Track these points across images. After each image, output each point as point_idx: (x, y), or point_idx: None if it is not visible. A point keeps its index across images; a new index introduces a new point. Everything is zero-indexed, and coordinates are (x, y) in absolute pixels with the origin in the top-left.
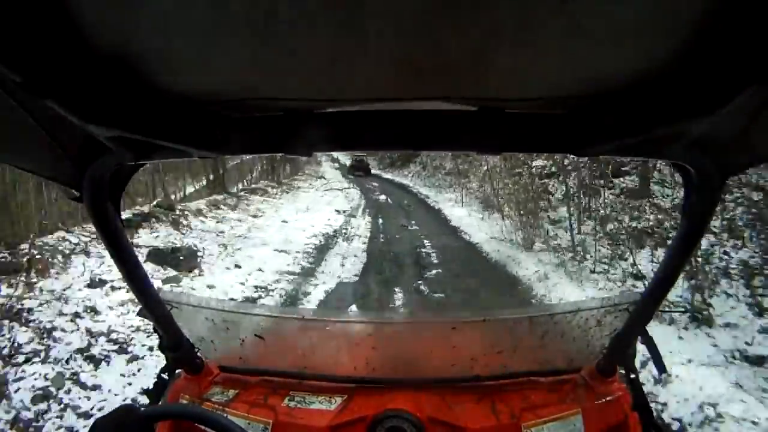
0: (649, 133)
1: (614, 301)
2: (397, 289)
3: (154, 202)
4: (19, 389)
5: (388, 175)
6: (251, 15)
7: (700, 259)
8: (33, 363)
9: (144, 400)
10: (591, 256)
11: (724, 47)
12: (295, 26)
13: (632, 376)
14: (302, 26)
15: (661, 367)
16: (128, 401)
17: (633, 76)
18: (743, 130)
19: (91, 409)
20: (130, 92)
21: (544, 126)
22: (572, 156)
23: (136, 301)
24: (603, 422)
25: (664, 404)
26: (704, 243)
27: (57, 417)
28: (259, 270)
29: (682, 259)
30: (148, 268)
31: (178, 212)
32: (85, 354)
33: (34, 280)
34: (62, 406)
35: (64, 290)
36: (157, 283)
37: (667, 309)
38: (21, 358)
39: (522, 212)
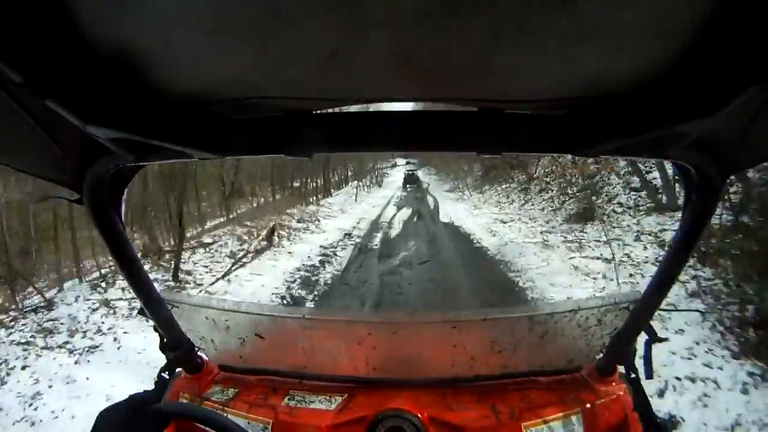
0: (650, 134)
1: (614, 300)
2: None
3: None
4: None
5: None
6: (251, 15)
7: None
8: None
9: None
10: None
11: (724, 48)
12: (295, 26)
13: (632, 375)
14: (302, 26)
15: (649, 372)
16: None
17: (633, 77)
18: (743, 130)
19: None
20: (130, 93)
21: (545, 126)
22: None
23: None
24: (603, 422)
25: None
26: None
27: None
28: None
29: (682, 258)
30: None
31: None
32: None
33: None
34: None
35: None
36: None
37: (667, 309)
38: None
39: None
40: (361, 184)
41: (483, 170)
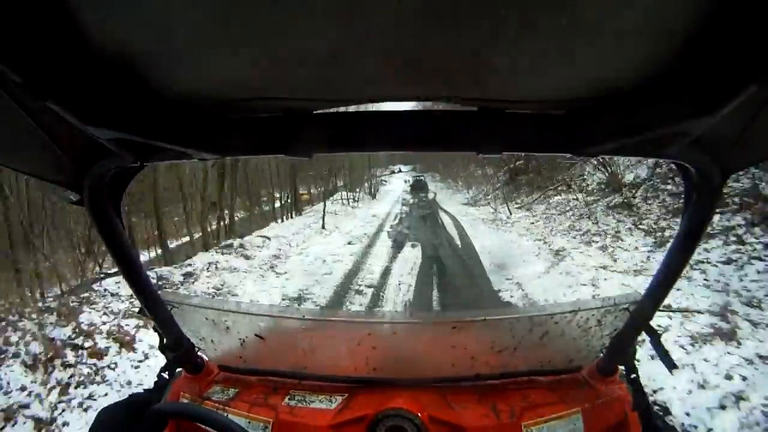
0: (649, 133)
1: (614, 301)
2: None
3: None
4: None
5: None
6: (251, 15)
7: None
8: None
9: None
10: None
11: (724, 47)
12: (295, 26)
13: (633, 375)
14: (302, 26)
15: (671, 364)
16: None
17: (633, 77)
18: (743, 129)
19: None
20: (130, 94)
21: (544, 126)
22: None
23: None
24: (603, 422)
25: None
26: None
27: None
28: None
29: (683, 258)
30: None
31: None
32: None
33: None
34: None
35: None
36: None
37: (667, 309)
38: None
39: None
40: (347, 196)
41: (507, 175)
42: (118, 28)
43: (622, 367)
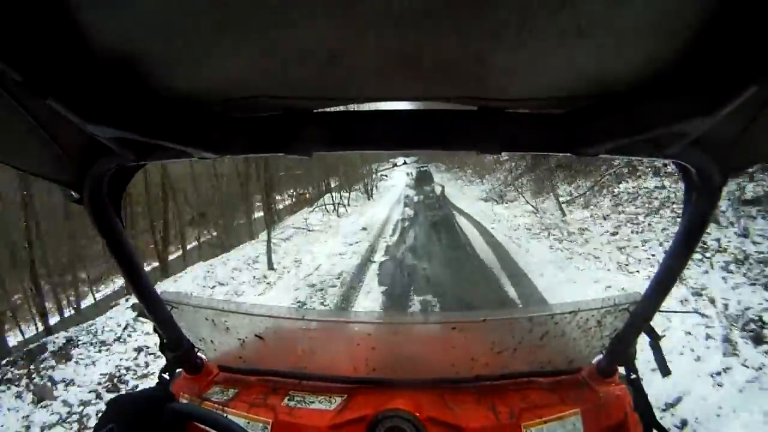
0: (650, 133)
1: (614, 301)
2: None
3: None
4: None
5: None
6: (251, 14)
7: None
8: None
9: None
10: None
11: (724, 47)
12: (295, 25)
13: (633, 376)
14: (302, 25)
15: (665, 370)
16: None
17: (633, 77)
18: (743, 130)
19: None
20: (130, 92)
21: (544, 126)
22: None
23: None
24: (603, 422)
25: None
26: None
27: None
28: None
29: (682, 258)
30: None
31: None
32: None
33: None
34: None
35: None
36: None
37: (667, 310)
38: None
39: None
40: (334, 199)
41: (530, 157)
42: (119, 26)
43: (621, 368)
